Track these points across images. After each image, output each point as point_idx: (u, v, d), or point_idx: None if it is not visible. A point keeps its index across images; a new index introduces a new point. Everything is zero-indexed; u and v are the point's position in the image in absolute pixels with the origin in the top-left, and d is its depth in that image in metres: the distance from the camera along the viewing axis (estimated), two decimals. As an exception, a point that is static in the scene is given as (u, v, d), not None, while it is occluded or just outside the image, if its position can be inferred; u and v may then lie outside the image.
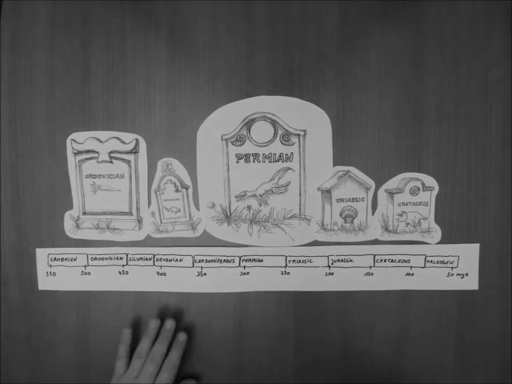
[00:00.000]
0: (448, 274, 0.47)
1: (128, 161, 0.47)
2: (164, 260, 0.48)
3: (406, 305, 0.48)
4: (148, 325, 0.46)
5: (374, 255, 0.47)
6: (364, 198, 0.47)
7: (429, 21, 0.46)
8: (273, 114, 0.46)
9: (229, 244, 0.48)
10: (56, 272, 0.49)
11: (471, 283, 0.47)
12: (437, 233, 0.47)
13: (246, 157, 0.46)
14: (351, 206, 0.46)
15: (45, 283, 0.49)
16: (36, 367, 0.50)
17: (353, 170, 0.46)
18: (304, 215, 0.47)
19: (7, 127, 0.48)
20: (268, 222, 0.47)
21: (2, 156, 0.48)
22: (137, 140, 0.46)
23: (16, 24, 0.47)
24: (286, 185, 0.46)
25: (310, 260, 0.48)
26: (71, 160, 0.47)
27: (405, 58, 0.46)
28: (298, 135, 0.46)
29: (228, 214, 0.47)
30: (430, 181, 0.46)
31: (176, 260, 0.48)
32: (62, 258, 0.48)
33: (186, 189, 0.47)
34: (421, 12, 0.46)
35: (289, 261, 0.48)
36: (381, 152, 0.47)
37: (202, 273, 0.48)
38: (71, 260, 0.48)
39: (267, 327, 0.48)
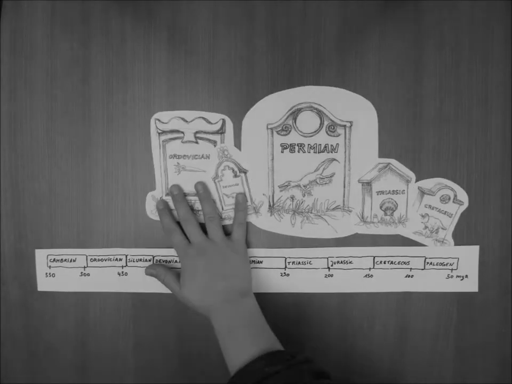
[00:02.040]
0: (448, 276, 0.47)
1: (214, 142, 0.46)
2: (163, 261, 0.48)
3: (405, 306, 0.48)
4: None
5: (374, 257, 0.47)
6: (404, 190, 0.46)
7: (429, 21, 0.46)
8: (320, 105, 0.46)
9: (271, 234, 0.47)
10: (56, 273, 0.49)
11: (471, 285, 0.47)
12: (449, 246, 0.47)
13: (291, 147, 0.46)
14: (391, 199, 0.46)
15: (44, 284, 0.49)
16: (36, 367, 0.50)
17: (394, 162, 0.46)
18: (348, 207, 0.47)
19: (7, 127, 0.48)
20: (311, 213, 0.47)
21: (2, 156, 0.48)
22: (223, 120, 0.46)
23: (16, 24, 0.47)
24: (330, 177, 0.46)
25: (310, 262, 0.47)
26: (155, 140, 0.47)
27: (405, 58, 0.46)
28: (345, 126, 0.46)
29: (271, 204, 0.47)
30: (463, 195, 0.46)
31: (176, 261, 0.48)
32: (62, 259, 0.48)
33: (245, 173, 0.47)
34: (421, 11, 0.46)
35: (288, 263, 0.47)
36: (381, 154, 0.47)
37: None
38: (71, 260, 0.48)
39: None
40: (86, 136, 0.48)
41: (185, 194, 0.47)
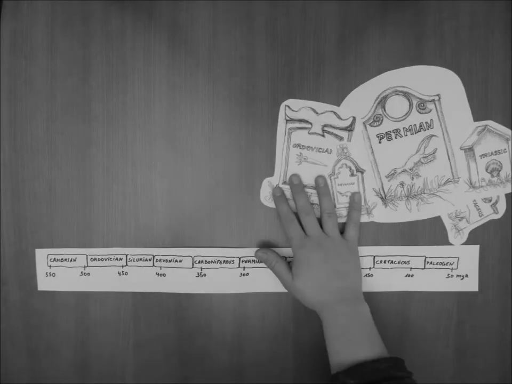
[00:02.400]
0: (448, 276, 0.47)
1: (341, 138, 0.46)
2: (164, 261, 0.48)
3: (405, 306, 0.48)
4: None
5: (374, 256, 0.47)
6: (505, 149, 0.46)
7: (429, 21, 0.46)
8: (404, 86, 0.46)
9: (387, 225, 0.47)
10: (56, 272, 0.49)
11: (471, 284, 0.47)
12: (450, 246, 0.47)
13: (388, 135, 0.46)
14: (495, 159, 0.46)
15: (44, 283, 0.49)
16: (36, 367, 0.50)
17: (491, 123, 0.46)
18: (458, 177, 0.46)
19: (7, 127, 0.48)
20: (424, 193, 0.46)
21: (2, 156, 0.48)
22: (354, 118, 0.46)
23: (16, 24, 0.47)
24: (433, 153, 0.46)
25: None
26: (282, 127, 0.46)
27: (405, 58, 0.46)
28: (433, 100, 0.45)
29: (383, 195, 0.47)
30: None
31: (176, 261, 0.48)
32: (62, 259, 0.48)
33: (362, 173, 0.46)
34: (421, 11, 0.46)
35: (289, 262, 0.47)
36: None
37: (202, 274, 0.48)
38: (71, 260, 0.48)
39: (267, 328, 0.48)
40: (86, 136, 0.48)
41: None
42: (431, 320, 0.48)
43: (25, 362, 0.50)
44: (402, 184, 0.46)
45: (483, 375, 0.48)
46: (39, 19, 0.47)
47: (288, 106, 0.46)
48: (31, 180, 0.48)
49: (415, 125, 0.46)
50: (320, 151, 0.47)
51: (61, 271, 0.49)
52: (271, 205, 0.47)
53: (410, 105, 0.46)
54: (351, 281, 0.43)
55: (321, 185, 0.46)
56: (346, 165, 0.46)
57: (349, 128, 0.46)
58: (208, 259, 0.48)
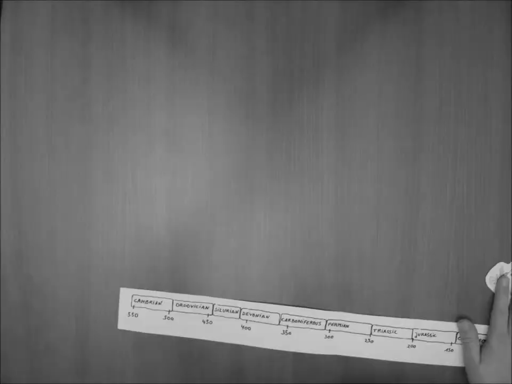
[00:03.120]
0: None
1: None
2: (250, 315, 0.48)
3: (406, 306, 0.48)
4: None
5: None
6: None
7: (429, 21, 0.46)
8: None
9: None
10: (139, 313, 0.49)
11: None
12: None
13: None
14: None
15: (125, 323, 0.49)
16: (36, 367, 0.50)
17: None
18: None
19: (7, 127, 0.48)
20: None
21: (2, 156, 0.48)
22: None
23: (16, 24, 0.47)
24: None
25: (395, 331, 0.47)
26: None
27: (405, 58, 0.46)
28: None
29: None
30: None
31: (263, 316, 0.48)
32: (147, 301, 0.48)
33: None
34: (421, 11, 0.46)
35: (374, 330, 0.47)
36: (380, 157, 0.47)
37: (288, 332, 0.48)
38: (156, 303, 0.48)
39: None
40: (86, 136, 0.48)
41: None
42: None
43: (25, 363, 0.50)
44: None
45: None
46: (39, 19, 0.47)
47: None
48: (31, 180, 0.48)
49: None
50: None
51: (144, 313, 0.49)
52: (492, 287, 0.47)
53: None
54: None
55: None
56: None
57: None
58: (295, 318, 0.47)
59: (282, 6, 0.46)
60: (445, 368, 0.48)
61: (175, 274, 0.48)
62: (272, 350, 0.48)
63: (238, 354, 0.49)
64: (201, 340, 0.48)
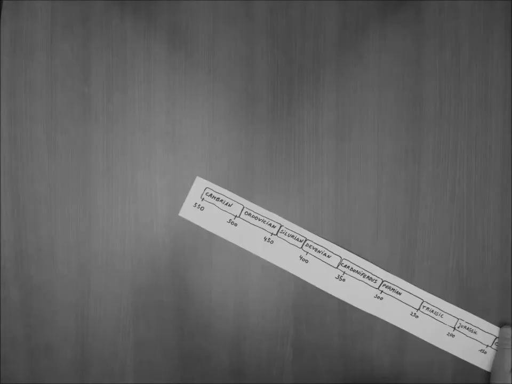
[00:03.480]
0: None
1: None
2: (313, 249, 0.46)
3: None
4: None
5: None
6: None
7: (429, 21, 0.46)
8: None
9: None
10: (205, 207, 0.46)
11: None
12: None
13: None
14: None
15: (188, 212, 0.47)
16: (36, 367, 0.50)
17: None
18: None
19: (7, 127, 0.48)
20: None
21: (2, 156, 0.48)
22: None
23: (16, 24, 0.47)
24: None
25: (442, 315, 0.47)
26: None
27: (405, 58, 0.46)
28: None
29: None
30: None
31: (324, 254, 0.47)
32: (218, 198, 0.46)
33: None
34: (421, 11, 0.46)
35: (423, 306, 0.47)
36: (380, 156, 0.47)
37: (342, 278, 0.47)
38: (226, 204, 0.46)
39: (267, 328, 0.48)
40: (86, 136, 0.48)
41: None
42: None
43: (25, 363, 0.50)
44: None
45: (483, 375, 0.48)
46: (39, 19, 0.47)
47: None
48: (31, 180, 0.48)
49: None
50: None
51: (211, 209, 0.46)
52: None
53: None
54: None
55: None
56: None
57: None
58: (355, 267, 0.47)
59: (282, 5, 0.46)
60: (445, 368, 0.48)
61: (175, 274, 0.48)
62: (272, 350, 0.48)
63: (238, 354, 0.49)
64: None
